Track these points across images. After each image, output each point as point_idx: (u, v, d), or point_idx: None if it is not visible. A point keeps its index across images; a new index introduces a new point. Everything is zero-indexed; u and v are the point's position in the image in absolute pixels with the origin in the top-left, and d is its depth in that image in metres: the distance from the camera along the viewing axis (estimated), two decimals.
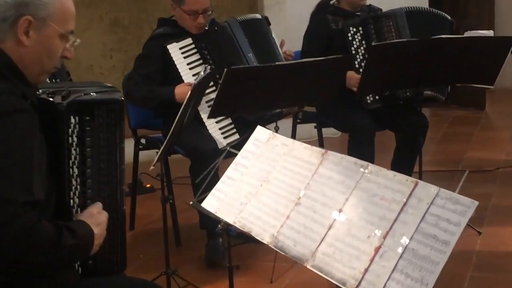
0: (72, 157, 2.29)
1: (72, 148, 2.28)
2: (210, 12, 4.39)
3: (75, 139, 2.28)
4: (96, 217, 2.29)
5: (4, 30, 2.14)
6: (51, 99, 2.27)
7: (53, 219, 2.18)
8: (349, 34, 4.58)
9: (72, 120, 2.27)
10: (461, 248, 4.15)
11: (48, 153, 2.19)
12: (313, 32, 4.72)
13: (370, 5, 4.82)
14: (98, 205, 2.34)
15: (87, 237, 2.22)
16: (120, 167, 2.42)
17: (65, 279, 2.26)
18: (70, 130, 2.27)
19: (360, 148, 4.53)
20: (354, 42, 4.58)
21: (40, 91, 2.31)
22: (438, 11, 4.84)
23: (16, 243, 2.00)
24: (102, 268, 2.43)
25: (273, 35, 4.64)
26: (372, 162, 4.55)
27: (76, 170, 2.31)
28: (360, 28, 4.60)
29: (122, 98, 2.40)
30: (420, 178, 4.63)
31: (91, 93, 2.34)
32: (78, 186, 2.33)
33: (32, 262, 2.07)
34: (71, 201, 2.31)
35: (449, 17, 4.80)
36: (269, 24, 4.67)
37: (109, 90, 2.43)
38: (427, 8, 4.85)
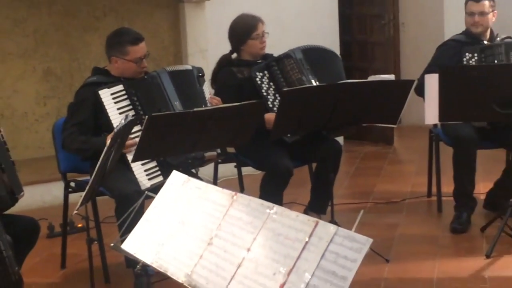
0: None
1: None
2: (149, 54, 4.42)
3: None
4: None
5: None
6: None
7: None
8: (257, 79, 4.63)
9: None
10: (370, 276, 4.20)
11: None
12: (224, 85, 4.72)
13: (266, 54, 4.87)
14: None
15: None
16: None
17: None
18: None
19: (277, 183, 4.57)
20: (263, 85, 4.63)
21: None
22: (328, 48, 4.94)
23: None
24: None
25: (206, 85, 4.62)
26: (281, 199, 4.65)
27: None
28: (266, 72, 4.65)
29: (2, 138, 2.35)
30: (332, 211, 4.69)
31: None
32: None
33: None
34: None
35: (338, 54, 4.91)
36: (203, 75, 4.63)
37: None
38: (319, 46, 4.90)
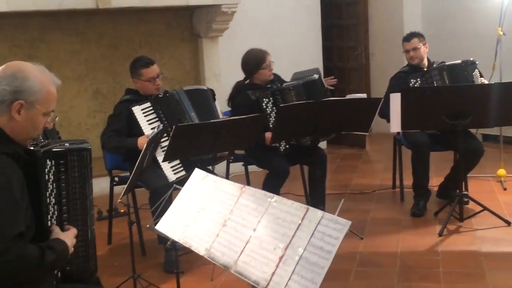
0: (49, 190, 2.25)
1: (49, 183, 2.25)
2: (162, 75, 4.40)
3: (51, 177, 2.25)
4: (67, 234, 2.26)
5: (1, 110, 2.16)
6: (33, 148, 2.26)
7: (34, 238, 2.13)
8: (263, 104, 4.53)
9: (48, 162, 2.24)
10: (348, 250, 4.20)
11: (30, 188, 2.15)
12: (241, 105, 4.58)
13: (274, 75, 4.75)
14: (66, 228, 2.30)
15: (64, 250, 2.19)
16: (89, 197, 2.38)
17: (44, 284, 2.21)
18: (46, 170, 2.24)
19: (276, 182, 4.53)
20: (267, 109, 4.53)
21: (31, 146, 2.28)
22: (318, 81, 4.74)
23: (9, 270, 1.97)
24: (79, 272, 2.39)
25: (216, 103, 4.60)
26: (279, 192, 4.60)
27: (53, 200, 2.26)
28: (271, 98, 4.55)
29: (89, 147, 2.36)
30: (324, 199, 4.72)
31: (65, 144, 2.31)
32: (56, 212, 2.28)
33: (22, 280, 2.04)
34: (49, 222, 2.27)
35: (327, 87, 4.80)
36: (214, 95, 4.63)
37: (80, 142, 2.38)
38: (313, 80, 4.71)
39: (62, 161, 2.26)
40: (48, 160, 2.23)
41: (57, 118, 2.33)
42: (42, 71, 2.24)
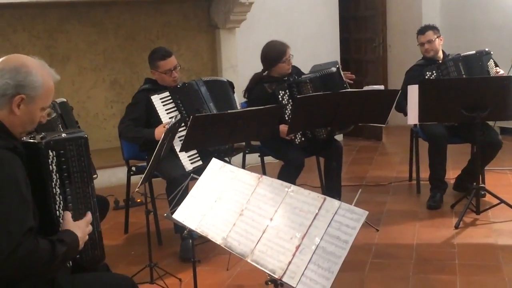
0: (54, 180, 2.28)
1: (53, 174, 2.27)
2: (179, 67, 4.39)
3: (54, 167, 2.27)
4: (78, 223, 2.29)
5: (2, 103, 2.18)
6: (33, 140, 2.28)
7: (44, 229, 2.17)
8: (279, 96, 4.50)
9: (51, 153, 2.26)
10: (364, 241, 4.19)
11: (35, 180, 2.17)
12: (257, 98, 4.56)
13: (293, 67, 4.72)
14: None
15: (74, 241, 2.22)
16: (90, 184, 2.40)
17: (59, 275, 2.25)
18: (49, 161, 2.26)
19: (291, 173, 4.52)
20: (283, 102, 4.50)
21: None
22: (335, 74, 4.66)
23: (22, 265, 2.01)
24: (87, 260, 2.42)
25: (235, 95, 4.60)
26: (295, 183, 4.56)
27: (58, 190, 2.29)
28: (287, 91, 4.52)
29: (86, 136, 2.38)
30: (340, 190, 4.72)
31: (62, 134, 2.33)
32: (62, 201, 2.31)
33: (35, 274, 2.09)
34: (57, 212, 2.30)
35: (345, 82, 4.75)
36: (233, 87, 4.63)
37: (76, 132, 2.40)
38: (331, 73, 4.63)
39: (62, 151, 2.30)
40: (50, 151, 2.26)
41: (54, 114, 2.37)
42: (43, 66, 2.26)
